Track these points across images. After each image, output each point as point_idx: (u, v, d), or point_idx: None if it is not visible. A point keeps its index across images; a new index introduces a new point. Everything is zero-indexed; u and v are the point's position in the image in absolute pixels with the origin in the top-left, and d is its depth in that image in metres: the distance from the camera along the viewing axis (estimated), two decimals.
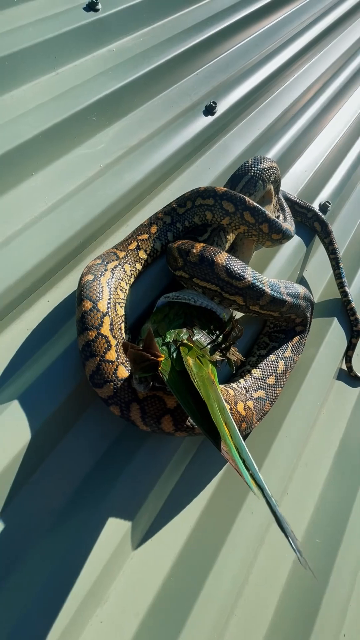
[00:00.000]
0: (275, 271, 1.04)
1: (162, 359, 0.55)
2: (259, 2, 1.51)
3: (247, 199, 0.78)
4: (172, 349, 0.62)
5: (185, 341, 0.63)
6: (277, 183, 0.91)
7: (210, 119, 1.15)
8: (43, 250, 0.79)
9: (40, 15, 1.06)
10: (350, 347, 0.99)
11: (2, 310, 0.73)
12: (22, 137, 0.86)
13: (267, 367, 0.81)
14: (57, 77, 1.03)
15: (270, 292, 0.72)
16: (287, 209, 0.98)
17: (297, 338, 0.85)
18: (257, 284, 0.71)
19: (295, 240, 1.10)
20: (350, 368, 0.97)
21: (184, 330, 0.67)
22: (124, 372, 0.63)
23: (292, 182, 1.23)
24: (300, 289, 0.79)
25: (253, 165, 0.83)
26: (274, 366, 0.81)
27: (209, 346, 0.66)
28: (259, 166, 0.83)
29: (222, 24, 1.36)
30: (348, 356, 0.98)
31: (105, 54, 1.14)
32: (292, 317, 0.82)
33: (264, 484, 0.45)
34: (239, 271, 0.70)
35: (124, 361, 0.65)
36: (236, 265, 0.71)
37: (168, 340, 0.64)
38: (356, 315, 1.03)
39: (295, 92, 1.42)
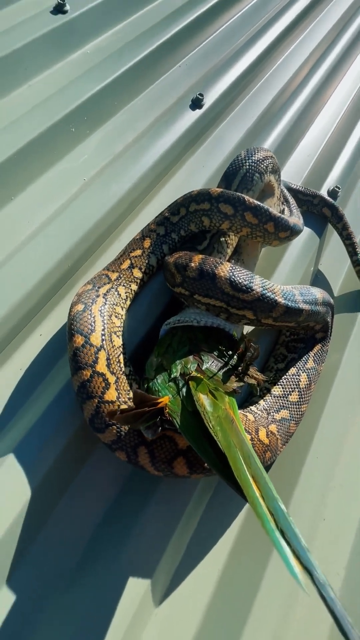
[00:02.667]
0: (288, 269, 0.94)
1: (165, 401, 0.48)
2: None
3: (246, 198, 0.69)
4: (180, 384, 0.55)
5: (194, 373, 0.56)
6: (277, 173, 0.81)
7: (198, 112, 1.06)
8: (30, 279, 0.73)
9: (5, 25, 0.99)
10: None
11: None
12: None
13: (287, 383, 0.72)
14: (30, 90, 0.96)
15: (283, 301, 0.64)
16: (291, 200, 0.89)
17: (318, 346, 0.76)
18: (267, 294, 0.63)
19: (306, 232, 1.00)
20: None
21: (191, 358, 0.59)
22: None
23: (296, 169, 1.13)
24: (318, 294, 0.70)
25: (246, 158, 0.74)
26: (296, 380, 0.73)
27: (221, 372, 0.58)
28: (252, 158, 0.75)
29: (200, 8, 1.26)
30: None
31: (80, 58, 1.07)
32: (310, 325, 0.73)
33: (314, 565, 0.34)
34: (245, 282, 0.62)
35: (126, 400, 0.57)
36: (241, 275, 0.63)
37: (175, 374, 0.56)
38: None
39: (288, 72, 1.31)
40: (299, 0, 1.47)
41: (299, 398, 0.71)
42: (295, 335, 0.79)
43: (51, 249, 0.77)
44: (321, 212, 1.00)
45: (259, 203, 0.70)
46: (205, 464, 0.55)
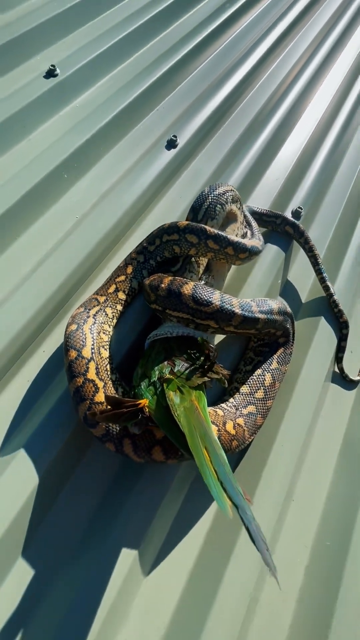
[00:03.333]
0: (257, 281, 1.07)
1: (144, 403, 0.61)
2: (209, 28, 1.58)
3: (207, 228, 0.83)
4: (157, 386, 0.68)
5: (167, 376, 0.69)
6: (237, 202, 0.95)
7: (173, 152, 1.21)
8: (33, 306, 0.88)
9: (5, 91, 1.17)
10: (340, 350, 1.01)
11: (5, 366, 0.82)
12: (3, 207, 0.96)
13: (254, 382, 0.84)
14: (29, 143, 1.13)
15: (240, 312, 0.77)
16: (253, 223, 1.02)
17: (281, 349, 0.88)
18: (225, 306, 0.76)
19: (272, 248, 1.13)
20: (342, 369, 0.99)
21: (166, 364, 0.72)
22: None
23: (265, 192, 1.27)
24: (274, 305, 0.83)
25: (209, 193, 0.89)
26: (261, 380, 0.85)
27: (186, 371, 0.71)
28: (214, 193, 0.89)
29: (175, 57, 1.43)
30: (339, 357, 1.00)
31: (70, 111, 1.24)
32: (272, 332, 0.85)
33: (241, 503, 0.48)
34: (205, 297, 0.75)
35: None
36: (203, 292, 0.76)
37: (153, 379, 0.69)
38: (339, 307, 1.05)
39: (255, 107, 1.46)
40: (265, 41, 1.64)
41: (264, 395, 0.83)
42: (262, 341, 0.91)
43: (50, 279, 0.92)
44: (284, 230, 1.13)
45: (218, 231, 0.83)
46: (178, 451, 0.67)
